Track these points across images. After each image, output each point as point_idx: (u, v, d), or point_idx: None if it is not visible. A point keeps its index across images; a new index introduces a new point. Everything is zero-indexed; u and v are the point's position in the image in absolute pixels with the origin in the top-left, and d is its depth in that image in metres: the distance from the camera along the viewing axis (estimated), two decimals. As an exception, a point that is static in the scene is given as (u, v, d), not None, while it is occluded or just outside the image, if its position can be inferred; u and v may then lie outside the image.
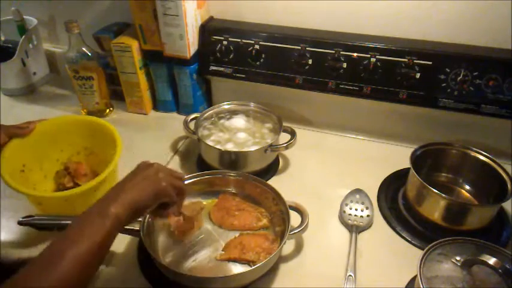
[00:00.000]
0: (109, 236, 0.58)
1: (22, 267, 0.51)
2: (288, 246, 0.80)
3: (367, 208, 0.88)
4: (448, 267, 0.65)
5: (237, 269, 0.74)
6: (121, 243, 0.81)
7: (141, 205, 0.63)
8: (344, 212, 0.87)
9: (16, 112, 1.25)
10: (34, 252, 0.79)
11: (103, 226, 0.57)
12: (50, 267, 0.51)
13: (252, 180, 0.86)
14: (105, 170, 0.80)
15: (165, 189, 0.66)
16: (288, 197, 0.80)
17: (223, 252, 0.77)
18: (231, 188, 0.89)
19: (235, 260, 0.75)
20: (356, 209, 0.87)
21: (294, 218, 0.76)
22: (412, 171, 0.84)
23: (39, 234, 0.83)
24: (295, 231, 0.74)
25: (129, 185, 0.63)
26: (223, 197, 0.87)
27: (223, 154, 0.94)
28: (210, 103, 1.23)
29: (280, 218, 0.80)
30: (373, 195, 0.92)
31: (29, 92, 1.33)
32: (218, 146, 0.95)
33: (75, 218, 0.58)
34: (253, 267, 0.70)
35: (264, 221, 0.82)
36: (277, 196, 0.81)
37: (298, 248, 0.80)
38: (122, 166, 0.87)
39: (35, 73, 1.33)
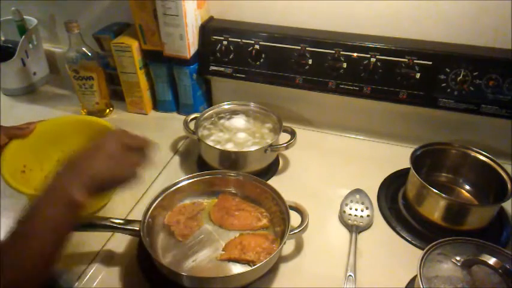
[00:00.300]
0: (73, 223, 0.54)
1: None
2: (288, 246, 0.80)
3: (367, 208, 0.88)
4: (448, 267, 0.65)
5: (237, 269, 0.74)
6: (121, 243, 0.81)
7: (103, 187, 0.59)
8: (344, 212, 0.87)
9: (16, 112, 1.25)
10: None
11: (65, 217, 0.53)
12: (10, 269, 0.49)
13: (252, 180, 0.86)
14: None
15: (123, 172, 0.61)
16: (288, 197, 0.80)
17: (223, 252, 0.77)
18: (231, 188, 0.89)
19: (235, 260, 0.75)
20: (356, 209, 0.87)
21: (294, 218, 0.76)
22: (412, 171, 0.84)
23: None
24: (295, 231, 0.74)
25: (86, 165, 0.57)
26: (223, 197, 0.87)
27: (223, 154, 0.94)
28: (210, 103, 1.23)
29: (280, 218, 0.80)
30: (373, 195, 0.92)
31: (29, 92, 1.33)
32: (218, 146, 0.95)
33: (29, 208, 0.54)
34: (253, 267, 0.70)
35: (264, 221, 0.82)
36: (277, 196, 0.81)
37: (298, 248, 0.80)
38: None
39: (35, 73, 1.33)
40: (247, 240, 0.77)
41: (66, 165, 0.58)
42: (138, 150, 0.64)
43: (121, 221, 0.76)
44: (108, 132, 0.64)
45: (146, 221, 0.76)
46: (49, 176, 0.57)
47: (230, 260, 0.75)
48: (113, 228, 0.76)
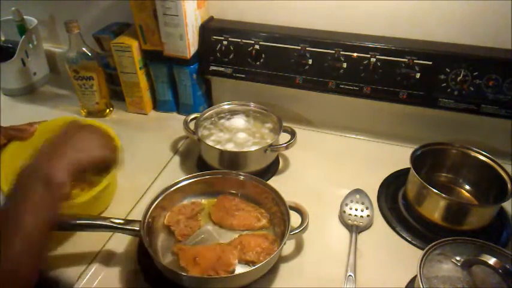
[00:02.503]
0: (57, 208, 0.54)
1: None
2: (288, 247, 0.80)
3: (367, 208, 0.88)
4: (448, 267, 0.65)
5: (237, 269, 0.74)
6: (121, 243, 0.81)
7: (81, 168, 0.59)
8: (344, 212, 0.87)
9: (16, 112, 1.25)
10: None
11: (46, 198, 0.53)
12: (7, 247, 0.48)
13: (252, 181, 0.86)
14: (103, 181, 0.80)
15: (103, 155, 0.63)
16: (288, 197, 0.80)
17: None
18: (230, 188, 0.88)
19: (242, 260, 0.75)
20: (356, 209, 0.87)
21: (294, 218, 0.76)
22: (412, 171, 0.84)
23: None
24: (295, 231, 0.74)
25: (69, 148, 0.59)
26: (223, 197, 0.87)
27: (223, 154, 0.94)
28: (210, 103, 1.23)
29: (280, 218, 0.80)
30: (373, 195, 0.92)
31: (29, 92, 1.33)
32: (218, 146, 0.95)
33: (10, 195, 0.53)
34: (253, 268, 0.70)
35: (264, 222, 0.82)
36: (277, 196, 0.81)
37: (298, 248, 0.80)
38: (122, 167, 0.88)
39: (35, 73, 1.33)
40: (247, 240, 0.77)
41: (42, 148, 0.58)
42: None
43: (121, 221, 0.76)
44: (75, 122, 0.65)
45: (146, 221, 0.76)
46: (25, 162, 0.57)
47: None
48: (113, 229, 0.76)
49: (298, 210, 0.78)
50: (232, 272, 0.72)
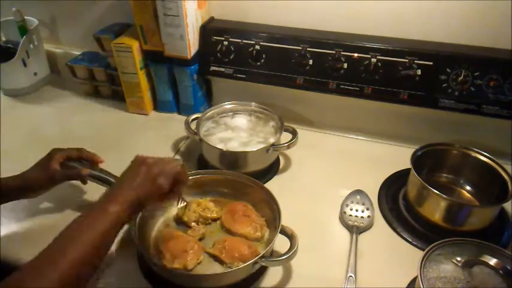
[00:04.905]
0: (109, 234, 0.58)
1: (18, 269, 0.51)
2: (287, 247, 0.80)
3: (367, 209, 0.87)
4: (449, 267, 0.65)
5: (218, 268, 0.75)
6: (121, 243, 0.81)
7: (139, 203, 0.64)
8: (344, 212, 0.87)
9: (17, 112, 1.25)
10: (34, 252, 0.79)
11: (103, 224, 0.58)
12: (49, 267, 0.51)
13: (245, 181, 0.86)
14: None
15: (161, 186, 0.67)
16: (289, 196, 0.79)
17: (212, 245, 0.78)
18: (228, 188, 0.88)
19: (216, 258, 0.76)
20: (357, 210, 0.87)
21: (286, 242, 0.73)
22: (413, 171, 0.84)
23: (39, 234, 0.83)
24: (278, 258, 0.71)
25: (126, 184, 0.65)
26: (237, 203, 0.86)
27: (225, 154, 0.94)
28: (210, 104, 1.23)
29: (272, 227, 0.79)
30: (373, 195, 0.92)
31: (29, 92, 1.33)
32: (220, 146, 0.95)
33: (74, 219, 0.59)
34: (226, 271, 0.72)
35: (258, 234, 0.80)
36: (278, 217, 0.77)
37: (299, 249, 0.80)
38: (123, 167, 0.87)
39: (35, 73, 1.33)
40: (232, 243, 0.77)
41: (112, 186, 0.67)
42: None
43: None
44: (141, 159, 0.70)
45: (142, 214, 0.77)
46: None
47: (212, 255, 0.77)
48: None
49: (289, 237, 0.73)
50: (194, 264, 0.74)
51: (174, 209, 0.87)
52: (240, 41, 1.08)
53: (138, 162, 0.69)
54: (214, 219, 0.85)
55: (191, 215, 0.83)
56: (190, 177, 0.86)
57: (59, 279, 0.51)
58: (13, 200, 0.81)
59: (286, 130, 0.98)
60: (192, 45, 1.09)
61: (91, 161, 0.86)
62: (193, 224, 0.83)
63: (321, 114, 1.13)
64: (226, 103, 1.06)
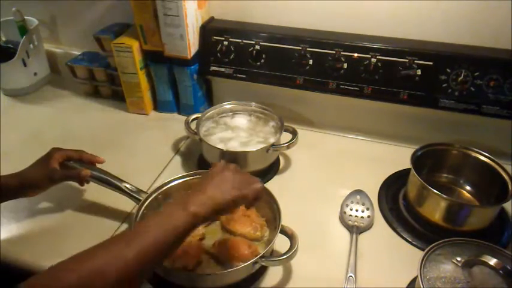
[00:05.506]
0: (182, 231, 0.57)
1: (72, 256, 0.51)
2: (287, 247, 0.80)
3: (367, 209, 0.87)
4: (449, 268, 0.65)
5: (218, 268, 0.75)
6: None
7: (220, 208, 0.63)
8: (344, 212, 0.87)
9: (17, 112, 1.25)
10: (34, 252, 0.79)
11: (179, 221, 0.57)
12: (115, 254, 0.51)
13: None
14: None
15: (246, 196, 0.66)
16: (289, 196, 0.79)
17: (212, 245, 0.78)
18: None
19: (215, 257, 0.76)
20: (357, 210, 0.87)
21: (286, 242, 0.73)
22: (413, 171, 0.84)
23: (39, 234, 0.84)
24: (272, 258, 0.72)
25: (210, 188, 0.63)
26: None
27: (225, 154, 0.94)
28: (210, 104, 1.23)
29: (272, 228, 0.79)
30: (373, 196, 0.92)
31: (29, 93, 1.33)
32: (220, 146, 0.95)
33: (154, 213, 0.59)
34: (222, 272, 0.72)
35: (258, 234, 0.80)
36: (278, 216, 0.77)
37: (299, 249, 0.80)
38: (123, 167, 0.88)
39: (35, 73, 1.33)
40: (232, 243, 0.77)
41: (193, 188, 0.65)
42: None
43: (132, 188, 0.83)
44: (224, 165, 0.69)
45: (141, 213, 0.77)
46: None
47: (211, 255, 0.77)
48: (122, 192, 0.82)
49: (290, 237, 0.74)
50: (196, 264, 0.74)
51: None
52: (240, 41, 1.08)
53: (221, 167, 0.68)
54: None
55: None
56: (190, 178, 0.86)
57: (122, 267, 0.50)
58: (11, 199, 0.81)
59: (286, 130, 0.98)
60: (192, 45, 1.09)
61: (91, 163, 0.86)
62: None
63: (321, 114, 1.13)
64: (226, 103, 1.06)
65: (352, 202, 0.89)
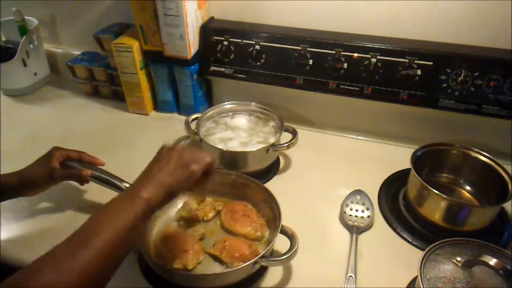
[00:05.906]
0: (139, 220, 0.56)
1: (39, 257, 0.50)
2: (288, 247, 0.80)
3: (367, 209, 0.87)
4: (449, 267, 0.65)
5: (218, 268, 0.75)
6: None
7: (173, 189, 0.62)
8: (344, 212, 0.87)
9: (17, 112, 1.25)
10: (34, 252, 0.79)
11: (132, 210, 0.56)
12: (70, 258, 0.50)
13: (248, 181, 0.86)
14: None
15: (196, 171, 0.64)
16: (289, 196, 0.79)
17: (212, 245, 0.78)
18: (228, 188, 0.88)
19: (216, 258, 0.76)
20: (357, 210, 0.87)
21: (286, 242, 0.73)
22: (413, 171, 0.84)
23: (39, 234, 0.83)
24: (273, 258, 0.72)
25: (157, 170, 0.62)
26: (237, 203, 0.86)
27: (225, 154, 0.94)
28: (210, 104, 1.23)
29: (273, 227, 0.79)
30: (373, 195, 0.92)
31: (29, 93, 1.33)
32: (220, 146, 0.95)
33: (103, 206, 0.57)
34: (225, 271, 0.72)
35: (258, 234, 0.80)
36: (278, 216, 0.77)
37: (299, 249, 0.80)
38: (123, 167, 0.88)
39: (35, 73, 1.33)
40: (232, 243, 0.77)
41: (142, 173, 0.63)
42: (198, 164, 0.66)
43: None
44: (170, 147, 0.67)
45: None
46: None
47: (212, 255, 0.76)
48: (122, 191, 0.80)
49: (290, 237, 0.73)
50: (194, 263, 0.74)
51: (174, 209, 0.86)
52: (240, 41, 1.08)
53: (167, 149, 0.66)
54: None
55: (208, 209, 0.84)
56: None
57: (79, 270, 0.49)
58: (11, 198, 0.81)
59: (286, 130, 0.98)
60: (192, 45, 1.09)
61: (91, 163, 0.86)
62: (210, 215, 0.84)
63: (321, 114, 1.13)
64: (226, 103, 1.06)
65: (352, 202, 0.89)
